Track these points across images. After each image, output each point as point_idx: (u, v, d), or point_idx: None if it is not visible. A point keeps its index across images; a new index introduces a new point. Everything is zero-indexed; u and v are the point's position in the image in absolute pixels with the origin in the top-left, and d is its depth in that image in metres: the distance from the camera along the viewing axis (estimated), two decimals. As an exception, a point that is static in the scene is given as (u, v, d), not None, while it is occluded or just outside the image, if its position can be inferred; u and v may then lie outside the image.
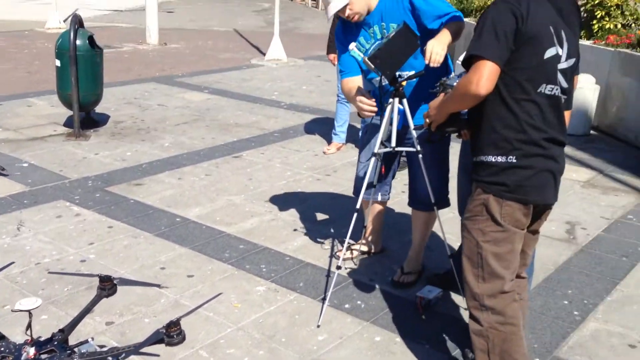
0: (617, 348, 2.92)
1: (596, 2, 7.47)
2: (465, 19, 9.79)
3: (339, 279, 3.39)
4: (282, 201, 4.55)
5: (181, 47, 12.04)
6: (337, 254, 3.68)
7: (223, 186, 4.83)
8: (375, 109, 2.92)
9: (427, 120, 2.44)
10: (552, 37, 2.15)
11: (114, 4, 19.53)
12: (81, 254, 3.65)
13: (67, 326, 2.41)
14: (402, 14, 2.95)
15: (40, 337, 2.42)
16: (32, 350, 2.26)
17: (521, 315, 2.33)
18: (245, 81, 9.01)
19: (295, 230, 4.08)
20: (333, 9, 2.96)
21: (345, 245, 3.19)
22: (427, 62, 2.74)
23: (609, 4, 7.38)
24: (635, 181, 5.20)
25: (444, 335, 2.95)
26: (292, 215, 4.31)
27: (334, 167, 5.36)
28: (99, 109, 6.59)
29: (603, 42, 6.96)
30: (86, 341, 2.39)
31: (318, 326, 2.99)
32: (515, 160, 2.17)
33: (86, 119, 6.21)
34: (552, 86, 2.18)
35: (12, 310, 3.02)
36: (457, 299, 3.25)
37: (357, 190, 3.45)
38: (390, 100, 2.89)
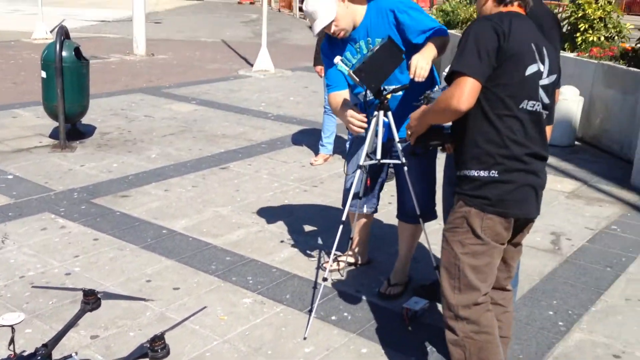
0: (602, 358, 2.94)
1: (580, 15, 7.57)
2: (451, 31, 9.89)
3: (325, 291, 3.39)
4: (269, 212, 4.55)
5: (169, 58, 12.04)
6: (324, 265, 3.68)
7: (210, 198, 4.82)
8: (366, 125, 2.93)
9: (408, 132, 2.47)
10: (533, 54, 2.19)
11: (101, 14, 19.51)
12: (66, 267, 3.62)
13: (50, 340, 2.39)
14: (387, 28, 2.98)
15: (24, 351, 2.40)
16: (15, 365, 2.23)
17: (496, 324, 2.36)
18: (233, 92, 9.02)
19: (282, 241, 4.08)
20: (319, 25, 2.98)
21: (332, 256, 3.19)
22: (411, 76, 2.77)
23: (592, 17, 7.49)
24: (619, 192, 5.25)
25: (431, 347, 2.96)
26: (279, 226, 4.31)
27: (321, 179, 5.37)
28: (85, 120, 6.56)
29: (587, 54, 7.05)
30: (70, 356, 2.37)
31: (304, 338, 2.99)
32: (497, 175, 2.20)
33: (72, 131, 6.18)
34: (534, 102, 2.21)
35: (-5, 325, 2.99)
36: (443, 310, 3.26)
37: (345, 202, 3.46)
38: (375, 113, 2.92)
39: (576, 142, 6.70)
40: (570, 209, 4.86)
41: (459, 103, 2.10)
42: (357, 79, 2.75)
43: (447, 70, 2.24)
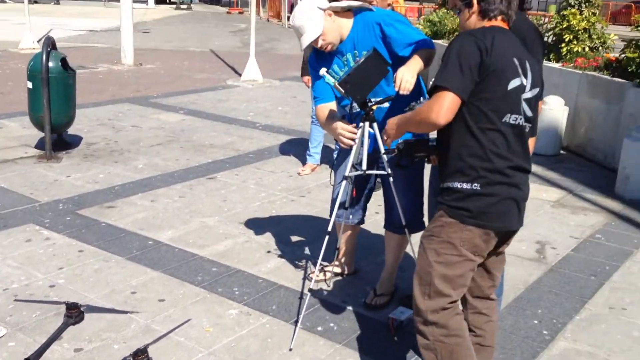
0: (586, 367, 2.96)
1: (564, 26, 7.66)
2: (438, 42, 9.97)
3: (311, 301, 3.39)
4: (256, 223, 4.55)
5: (156, 68, 12.03)
6: (311, 275, 3.68)
7: (197, 208, 4.81)
8: (356, 136, 2.94)
9: (385, 137, 2.53)
10: (516, 69, 2.22)
11: (89, 24, 19.48)
12: (50, 279, 3.60)
13: (33, 354, 2.36)
14: (374, 41, 3.00)
15: (5, 365, 2.37)
16: (-4, 380, 2.21)
17: (466, 327, 2.39)
18: (221, 102, 9.02)
19: (268, 252, 4.08)
20: (306, 40, 2.99)
21: (318, 267, 3.19)
22: (396, 89, 2.79)
23: (576, 28, 7.58)
24: (603, 201, 5.30)
25: (416, 357, 2.96)
26: (265, 237, 4.31)
27: (308, 188, 5.38)
28: (71, 130, 6.54)
29: (571, 64, 7.13)
30: (53, 369, 2.35)
31: (290, 349, 2.98)
32: (479, 188, 2.23)
33: (58, 141, 6.15)
34: (517, 116, 2.24)
35: (-23, 338, 2.96)
36: (429, 320, 3.26)
37: (332, 213, 3.47)
38: (361, 124, 2.93)
39: (562, 151, 6.76)
40: (555, 218, 4.89)
41: (437, 117, 2.15)
42: (343, 91, 2.76)
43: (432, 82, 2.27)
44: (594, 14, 7.78)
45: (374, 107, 2.93)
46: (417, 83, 2.96)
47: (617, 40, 8.06)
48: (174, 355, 2.89)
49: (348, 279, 3.75)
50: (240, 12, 29.49)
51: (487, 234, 2.26)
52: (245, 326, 3.18)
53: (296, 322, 3.18)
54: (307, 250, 4.12)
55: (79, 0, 28.44)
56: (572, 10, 7.75)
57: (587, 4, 7.78)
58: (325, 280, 3.68)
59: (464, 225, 2.24)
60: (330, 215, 3.43)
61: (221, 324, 3.19)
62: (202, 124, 7.59)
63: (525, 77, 2.25)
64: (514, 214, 2.30)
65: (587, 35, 7.63)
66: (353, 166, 3.00)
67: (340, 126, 2.96)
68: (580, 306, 3.52)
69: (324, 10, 2.98)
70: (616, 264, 4.09)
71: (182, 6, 30.86)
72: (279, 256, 4.01)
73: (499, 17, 2.30)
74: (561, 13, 7.92)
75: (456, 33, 2.58)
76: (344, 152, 3.36)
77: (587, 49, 7.56)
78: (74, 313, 2.30)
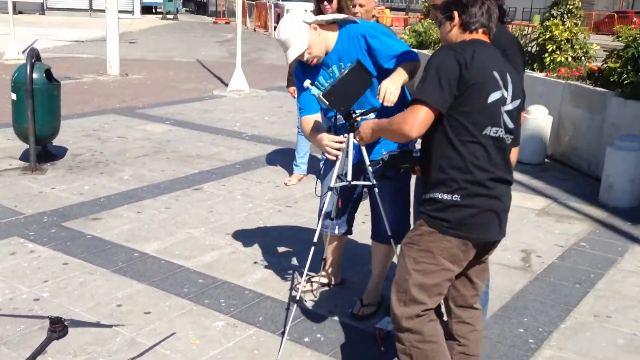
0: (571, 375, 2.98)
1: (547, 36, 7.75)
2: (424, 52, 10.05)
3: (298, 312, 3.39)
4: (243, 234, 4.54)
5: (143, 78, 12.00)
6: (297, 286, 3.68)
7: (183, 219, 4.80)
8: (343, 146, 2.94)
9: (357, 138, 2.61)
10: (496, 82, 2.25)
11: (75, 34, 19.41)
12: (35, 292, 3.56)
13: (16, 369, 2.34)
14: (359, 54, 3.02)
15: (-12, 381, 2.34)
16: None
17: (442, 333, 2.42)
18: (208, 112, 9.01)
19: (255, 263, 4.07)
20: (292, 55, 2.99)
21: (304, 277, 3.19)
22: (380, 101, 2.80)
23: (559, 38, 7.67)
24: (587, 209, 5.35)
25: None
26: (252, 247, 4.30)
27: (295, 199, 5.38)
28: (56, 141, 6.49)
29: (555, 74, 7.21)
30: (36, 384, 2.32)
31: (277, 361, 2.98)
32: (459, 199, 2.25)
33: (43, 153, 6.11)
34: (497, 128, 2.27)
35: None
36: (416, 330, 3.27)
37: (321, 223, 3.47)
38: (346, 135, 2.94)
39: (546, 160, 6.82)
40: (540, 226, 4.93)
41: (410, 129, 2.21)
42: (327, 103, 2.77)
43: None
44: (576, 24, 7.88)
45: (359, 119, 2.94)
46: (402, 95, 2.98)
47: (599, 50, 8.18)
48: (160, 369, 2.87)
49: (335, 289, 3.75)
50: (226, 22, 29.53)
51: (465, 244, 2.29)
52: (232, 338, 3.17)
53: (283, 333, 3.17)
54: (294, 261, 4.12)
55: (64, 11, 28.33)
56: (555, 20, 7.85)
57: (569, 14, 7.88)
58: (312, 290, 3.68)
59: (443, 236, 2.27)
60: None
61: (207, 336, 3.18)
62: (189, 134, 7.58)
63: (506, 89, 2.28)
64: (494, 225, 2.32)
65: (569, 46, 7.73)
66: (338, 177, 3.01)
67: (327, 137, 2.97)
68: (566, 314, 3.54)
69: (309, 24, 3.00)
70: (601, 271, 4.13)
71: (169, 16, 30.84)
72: (266, 267, 4.00)
73: (480, 30, 2.33)
74: (544, 24, 8.02)
75: (441, 44, 2.61)
76: (331, 162, 3.37)
77: (570, 59, 7.66)
78: (58, 327, 2.27)
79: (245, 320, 3.35)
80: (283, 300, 3.58)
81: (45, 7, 28.80)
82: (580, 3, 8.11)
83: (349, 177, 2.96)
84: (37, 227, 4.52)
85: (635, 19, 28.32)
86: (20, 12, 27.32)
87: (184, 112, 8.92)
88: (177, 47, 18.08)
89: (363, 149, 2.97)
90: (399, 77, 2.86)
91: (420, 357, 2.35)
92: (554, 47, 7.68)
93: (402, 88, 2.90)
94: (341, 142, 2.93)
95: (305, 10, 3.19)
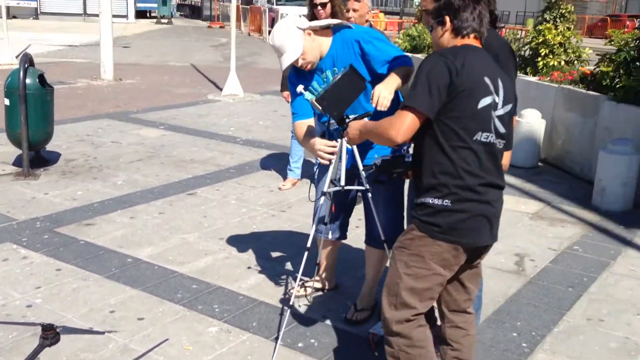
0: (564, 379, 2.98)
1: (540, 40, 7.79)
2: (418, 56, 10.07)
3: (292, 317, 3.38)
4: (237, 239, 4.54)
5: (137, 83, 11.98)
6: (291, 291, 3.68)
7: (177, 224, 4.79)
8: (336, 150, 2.95)
9: (345, 136, 2.68)
10: (487, 87, 2.26)
11: (68, 39, 19.37)
12: (27, 298, 3.55)
13: (8, 377, 2.33)
14: (353, 58, 3.03)
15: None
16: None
17: (431, 339, 2.44)
18: (202, 117, 9.01)
19: (249, 268, 4.07)
20: (287, 61, 2.99)
21: (298, 282, 3.19)
22: (373, 105, 2.81)
23: (552, 43, 7.71)
24: (581, 212, 5.37)
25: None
26: (246, 252, 4.30)
27: (289, 203, 5.38)
28: (49, 147, 6.48)
29: (548, 78, 7.24)
30: (28, 392, 2.31)
31: (270, 367, 2.97)
32: (450, 204, 2.26)
33: (36, 158, 6.09)
34: (488, 134, 2.28)
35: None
36: (410, 334, 3.27)
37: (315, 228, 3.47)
38: (339, 140, 2.95)
39: (540, 163, 6.84)
40: (534, 230, 4.95)
41: (396, 134, 2.24)
42: (320, 107, 2.78)
43: None
44: (568, 28, 7.92)
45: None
46: (396, 99, 2.99)
47: (592, 54, 8.22)
48: (153, 375, 2.86)
49: (329, 294, 3.75)
50: (221, 27, 29.52)
51: (456, 249, 2.30)
52: (225, 344, 3.16)
53: (276, 338, 3.17)
54: (287, 266, 4.12)
55: (58, 15, 28.28)
56: (548, 25, 7.89)
57: (561, 19, 7.93)
58: (305, 295, 3.67)
59: (434, 240, 2.28)
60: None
61: (201, 342, 3.17)
62: (183, 139, 7.57)
63: (497, 94, 2.29)
64: (485, 230, 2.33)
65: (562, 50, 7.78)
66: (331, 182, 3.02)
67: (319, 142, 2.97)
68: (559, 318, 3.55)
69: (304, 30, 3.00)
70: (593, 275, 4.14)
71: (163, 20, 30.80)
72: (260, 272, 4.00)
73: (472, 35, 2.34)
74: (537, 28, 8.06)
75: (433, 48, 2.64)
76: (325, 167, 3.37)
77: (562, 62, 7.70)
78: (50, 334, 2.26)
79: (238, 325, 3.34)
80: (277, 305, 3.58)
81: (39, 12, 28.75)
82: (572, 7, 8.15)
83: (342, 182, 2.97)
84: (30, 232, 4.50)
85: (628, 22, 28.45)
86: (14, 17, 27.25)
87: (178, 116, 8.91)
88: (171, 51, 18.06)
89: (356, 153, 2.97)
90: (392, 81, 2.87)
91: None
92: (547, 51, 7.72)
93: (396, 93, 2.90)
94: (334, 147, 2.93)
95: (300, 16, 3.19)
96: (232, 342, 3.18)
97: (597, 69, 6.42)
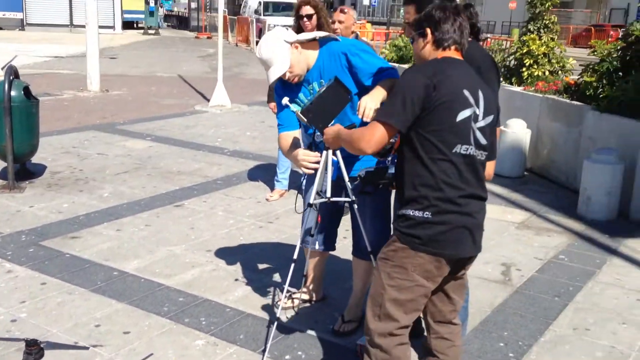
0: (551, 389, 2.99)
1: (525, 51, 7.88)
2: (404, 66, 10.13)
3: (279, 329, 3.37)
4: (224, 250, 4.52)
5: (123, 94, 11.94)
6: (278, 303, 3.67)
7: (163, 237, 4.77)
8: (319, 160, 2.96)
9: (331, 149, 2.78)
10: (466, 100, 2.28)
11: (55, 50, 19.28)
12: (12, 313, 3.51)
13: (-9, 394, 2.31)
14: (340, 71, 3.05)
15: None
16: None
17: (410, 358, 2.44)
18: (189, 128, 8.99)
19: (236, 280, 4.06)
20: (274, 74, 3.00)
21: (285, 294, 3.19)
22: (360, 116, 2.83)
23: (536, 53, 7.80)
24: (566, 221, 5.41)
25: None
26: (233, 264, 4.28)
27: (277, 214, 5.37)
28: (35, 159, 6.43)
29: (532, 88, 7.31)
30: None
31: (258, 380, 2.96)
32: (430, 216, 2.28)
33: (21, 170, 6.05)
34: (467, 146, 2.30)
35: None
36: (397, 345, 3.27)
37: (302, 240, 3.47)
38: (325, 152, 2.96)
39: (526, 173, 6.90)
40: (520, 239, 4.98)
41: (366, 145, 2.31)
42: (305, 119, 2.79)
43: None
44: (552, 39, 8.02)
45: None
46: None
47: (575, 64, 8.32)
48: (139, 390, 2.84)
49: (316, 305, 3.74)
50: (208, 37, 29.53)
51: (438, 260, 2.31)
52: (212, 357, 3.14)
53: (264, 351, 3.16)
54: (275, 277, 4.11)
55: (44, 27, 28.14)
56: (532, 35, 7.99)
57: (545, 29, 8.03)
58: (293, 307, 3.67)
59: (416, 252, 2.30)
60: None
61: (187, 355, 3.15)
62: (170, 150, 7.55)
63: (478, 106, 2.31)
64: (466, 241, 2.34)
65: (546, 60, 7.87)
66: (317, 193, 3.02)
67: (302, 152, 2.98)
68: (545, 327, 3.57)
69: (291, 43, 3.01)
70: (579, 284, 4.17)
71: (150, 31, 30.77)
72: (247, 284, 3.98)
73: (453, 47, 2.37)
74: (521, 38, 8.15)
75: (414, 61, 2.70)
76: (312, 178, 3.38)
77: (547, 72, 7.78)
78: (34, 350, 2.26)
79: (225, 338, 3.32)
80: (264, 317, 3.57)
81: (25, 23, 28.60)
82: (556, 18, 8.26)
83: (328, 194, 2.97)
84: (15, 246, 4.46)
85: (612, 32, 28.84)
86: (0, 28, 27.13)
87: (165, 127, 8.89)
88: (158, 62, 18.04)
89: (342, 165, 2.98)
90: (378, 93, 2.89)
91: None
92: (532, 61, 7.81)
93: (382, 104, 2.92)
94: (316, 157, 2.94)
95: (287, 29, 3.21)
96: (219, 355, 3.16)
97: (581, 79, 6.50)
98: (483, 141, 2.34)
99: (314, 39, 3.12)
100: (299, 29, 4.83)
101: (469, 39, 2.45)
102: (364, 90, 2.97)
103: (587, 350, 3.35)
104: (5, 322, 3.42)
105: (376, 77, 2.99)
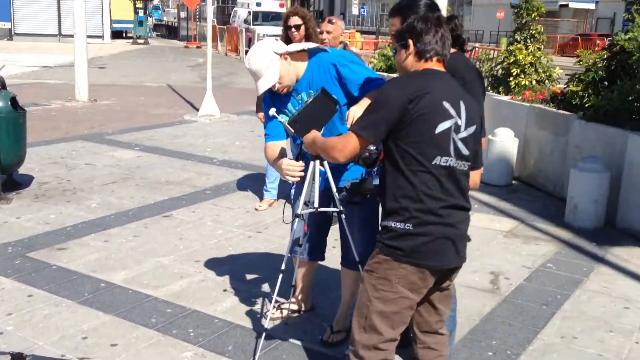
0: (539, 397, 3.00)
1: (512, 60, 7.95)
2: (392, 75, 10.18)
3: (268, 340, 3.36)
4: (213, 261, 4.51)
5: (112, 104, 11.91)
6: (267, 313, 3.66)
7: (152, 247, 4.74)
8: (302, 170, 2.97)
9: (319, 160, 2.82)
10: (445, 111, 2.29)
11: (43, 60, 19.21)
12: (-3, 326, 3.48)
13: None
14: (329, 82, 3.06)
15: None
16: None
17: None
18: (178, 137, 8.97)
19: (225, 290, 4.04)
20: (263, 86, 3.01)
21: (273, 304, 3.18)
22: (348, 126, 2.84)
23: (523, 62, 7.88)
24: (554, 230, 5.45)
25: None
26: (222, 275, 4.27)
27: (266, 224, 5.37)
28: (22, 169, 6.38)
29: (520, 97, 7.37)
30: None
31: (246, 392, 2.94)
32: (411, 228, 2.29)
33: (8, 181, 6.00)
34: (447, 158, 2.32)
35: None
36: (386, 355, 3.27)
37: (290, 250, 3.46)
38: (312, 163, 2.97)
39: (513, 182, 6.94)
40: (508, 248, 5.00)
41: (339, 154, 2.39)
42: (292, 130, 2.80)
43: None
44: (539, 48, 8.10)
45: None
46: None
47: (562, 73, 8.41)
48: (126, 403, 2.82)
49: (305, 315, 3.74)
50: (198, 47, 29.54)
51: (422, 272, 2.32)
52: (200, 369, 3.13)
53: (252, 362, 3.15)
54: (264, 288, 4.10)
55: (32, 36, 28.04)
56: (519, 45, 8.06)
57: (532, 39, 8.11)
58: (281, 318, 3.66)
59: (399, 264, 2.30)
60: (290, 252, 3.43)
61: (175, 367, 3.14)
62: (159, 160, 7.53)
63: (459, 117, 2.33)
64: (449, 252, 2.35)
65: (533, 69, 7.95)
66: (305, 203, 3.03)
67: (286, 162, 2.99)
68: (533, 336, 3.58)
69: (280, 55, 3.02)
70: (567, 292, 4.19)
71: (139, 41, 30.74)
72: (235, 295, 3.97)
73: (435, 58, 2.38)
74: (508, 48, 8.23)
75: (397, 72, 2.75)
76: (301, 188, 3.38)
77: (534, 82, 7.85)
78: (19, 364, 2.23)
79: (214, 350, 3.31)
80: (253, 328, 3.56)
81: (13, 33, 28.48)
82: (542, 28, 8.35)
83: (316, 204, 2.98)
84: (1, 258, 4.42)
85: (598, 41, 29.15)
86: (-12, 38, 27.02)
87: (154, 137, 8.87)
88: (147, 71, 18.01)
89: (329, 175, 2.99)
90: (367, 104, 2.90)
91: None
92: (519, 70, 7.89)
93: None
94: (300, 167, 2.95)
95: (276, 40, 3.22)
96: (207, 367, 3.15)
97: (567, 89, 6.56)
98: (465, 152, 2.35)
99: (303, 50, 3.13)
100: (287, 39, 4.85)
101: (454, 50, 2.47)
102: (352, 101, 2.98)
103: (574, 359, 3.36)
104: (-9, 335, 3.39)
105: (365, 87, 3.01)
